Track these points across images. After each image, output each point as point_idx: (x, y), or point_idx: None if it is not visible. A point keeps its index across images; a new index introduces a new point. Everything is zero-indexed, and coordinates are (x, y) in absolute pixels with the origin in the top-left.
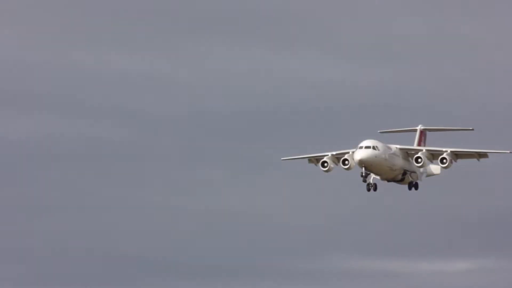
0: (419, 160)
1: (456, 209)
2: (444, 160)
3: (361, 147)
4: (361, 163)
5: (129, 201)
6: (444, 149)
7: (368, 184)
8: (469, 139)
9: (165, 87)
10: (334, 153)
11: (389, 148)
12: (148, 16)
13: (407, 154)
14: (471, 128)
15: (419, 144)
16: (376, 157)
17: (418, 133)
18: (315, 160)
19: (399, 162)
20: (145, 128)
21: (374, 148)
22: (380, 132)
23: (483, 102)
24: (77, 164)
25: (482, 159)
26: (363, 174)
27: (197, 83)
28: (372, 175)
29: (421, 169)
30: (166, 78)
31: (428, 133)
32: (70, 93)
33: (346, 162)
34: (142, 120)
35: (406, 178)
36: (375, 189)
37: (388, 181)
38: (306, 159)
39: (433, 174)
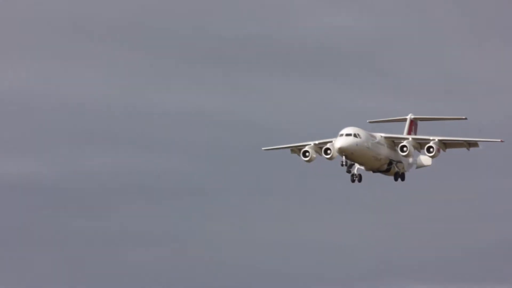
0: (405, 149)
1: (442, 203)
2: (431, 149)
3: (341, 135)
4: (341, 151)
5: (200, 234)
6: (431, 138)
7: (352, 175)
8: (462, 129)
9: (232, 123)
10: (316, 142)
11: (373, 137)
12: (215, 54)
13: (393, 143)
14: (464, 117)
15: (409, 135)
16: (357, 145)
17: (408, 122)
18: (298, 150)
19: (384, 151)
20: (214, 162)
21: (355, 135)
22: (369, 122)
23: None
24: (149, 198)
25: (472, 149)
26: (344, 163)
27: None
28: (357, 166)
29: (410, 160)
30: (234, 114)
31: (419, 123)
32: (142, 129)
33: (328, 151)
34: (211, 154)
35: (392, 168)
36: (359, 180)
37: (373, 171)
38: (289, 149)
39: (423, 166)
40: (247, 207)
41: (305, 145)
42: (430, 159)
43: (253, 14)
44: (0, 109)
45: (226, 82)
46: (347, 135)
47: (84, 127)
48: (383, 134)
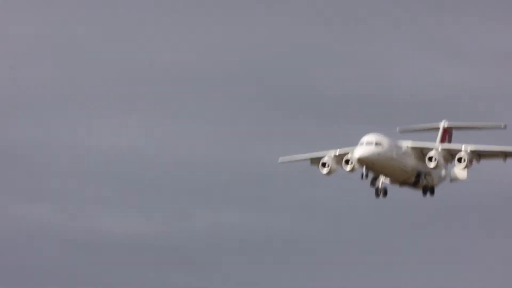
0: (433, 159)
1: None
2: (462, 160)
3: (362, 143)
4: (361, 162)
5: None
6: (463, 147)
7: (377, 189)
8: (502, 139)
9: None
10: (338, 151)
11: (398, 146)
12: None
13: (422, 153)
14: (503, 126)
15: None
16: (379, 155)
17: (441, 131)
18: (318, 161)
19: (411, 162)
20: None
21: (377, 144)
22: (399, 131)
23: None
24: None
25: (510, 160)
26: (365, 176)
27: None
28: (381, 178)
29: (442, 172)
30: None
31: (454, 132)
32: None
33: (350, 162)
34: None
35: (420, 181)
36: (385, 195)
37: (400, 184)
38: (308, 161)
39: (457, 179)
40: None
41: (324, 156)
42: (466, 172)
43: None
44: (107, 167)
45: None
46: (368, 143)
47: (189, 186)
48: (410, 143)
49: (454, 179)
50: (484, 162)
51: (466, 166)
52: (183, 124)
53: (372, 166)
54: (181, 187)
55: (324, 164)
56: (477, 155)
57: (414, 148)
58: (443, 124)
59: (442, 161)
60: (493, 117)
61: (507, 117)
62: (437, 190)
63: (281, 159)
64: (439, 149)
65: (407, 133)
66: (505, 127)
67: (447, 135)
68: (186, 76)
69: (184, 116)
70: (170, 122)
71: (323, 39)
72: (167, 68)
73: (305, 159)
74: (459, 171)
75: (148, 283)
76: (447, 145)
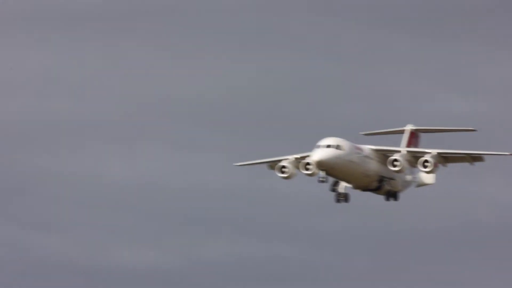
0: (396, 163)
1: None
2: (427, 164)
3: (320, 146)
4: (320, 165)
5: None
6: (428, 150)
7: (338, 194)
8: (472, 143)
9: None
10: (297, 156)
11: (360, 149)
12: None
13: (385, 157)
14: (473, 129)
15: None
16: (339, 158)
17: (407, 135)
18: (275, 165)
19: (373, 166)
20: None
21: (337, 147)
22: (363, 134)
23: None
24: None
25: (477, 163)
26: (323, 179)
27: None
28: (343, 184)
29: (407, 177)
30: None
31: (422, 136)
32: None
33: (310, 166)
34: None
35: (383, 186)
36: (346, 200)
37: (362, 190)
38: (266, 165)
39: (424, 184)
40: None
41: (282, 160)
42: (433, 176)
43: None
44: (119, 198)
45: None
46: (327, 146)
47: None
48: (372, 147)
49: (421, 184)
50: (451, 166)
51: (432, 171)
52: (193, 155)
53: (332, 170)
54: (193, 217)
55: (282, 168)
56: (443, 159)
57: (376, 152)
58: (409, 128)
59: (406, 165)
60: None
61: None
62: (401, 195)
63: (237, 163)
64: (403, 153)
65: (371, 137)
66: (475, 130)
67: (413, 139)
68: (197, 107)
69: (195, 147)
70: (180, 153)
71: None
72: (178, 100)
73: (262, 163)
74: (426, 175)
75: None
76: (411, 149)
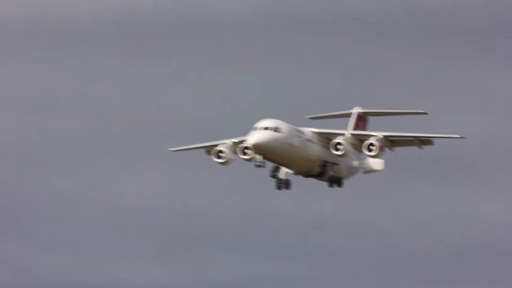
0: (339, 147)
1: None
2: (372, 147)
3: (256, 128)
4: (257, 149)
5: None
6: (373, 133)
7: (279, 181)
8: (423, 127)
9: None
10: (235, 140)
11: (301, 132)
12: None
13: (328, 140)
14: (424, 112)
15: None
16: (277, 141)
17: (354, 118)
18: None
19: (315, 150)
20: None
21: (275, 130)
22: (309, 118)
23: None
24: None
25: (426, 147)
26: (259, 164)
27: None
28: (284, 169)
29: (353, 162)
30: None
31: (371, 120)
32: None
33: (248, 151)
34: None
35: (326, 172)
36: (287, 187)
37: (304, 176)
38: (203, 150)
39: (373, 170)
40: None
41: (219, 144)
42: (382, 162)
43: None
44: (128, 217)
45: None
46: (265, 128)
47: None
48: (314, 129)
49: (368, 170)
50: (399, 151)
51: (377, 155)
52: (203, 174)
53: (270, 154)
54: (203, 237)
55: (219, 153)
56: (390, 143)
57: (319, 135)
58: (356, 111)
59: (350, 148)
60: None
61: None
62: (347, 182)
63: (172, 148)
64: (347, 136)
65: (318, 120)
66: (426, 113)
67: (361, 122)
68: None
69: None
70: (189, 172)
71: None
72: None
73: (198, 148)
74: (374, 161)
75: None
76: (355, 132)
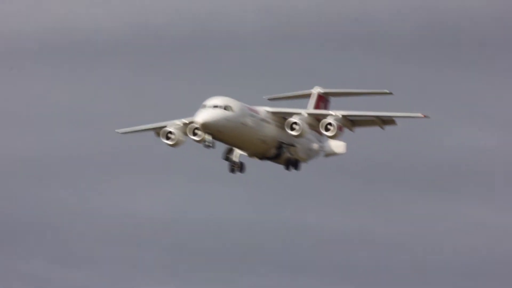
0: (295, 126)
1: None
2: (330, 127)
3: (205, 106)
4: (206, 128)
5: None
6: (331, 112)
7: (232, 163)
8: (386, 107)
9: None
10: (185, 120)
11: (254, 111)
12: None
13: (284, 120)
14: (388, 92)
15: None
16: (227, 120)
17: (314, 98)
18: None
19: (270, 131)
20: None
21: (226, 108)
22: (268, 99)
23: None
24: None
25: (388, 127)
26: (208, 144)
27: None
28: (238, 151)
29: (313, 144)
30: None
31: (332, 100)
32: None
33: (199, 131)
34: None
35: (282, 154)
36: (241, 170)
37: (260, 158)
38: (153, 132)
39: (334, 153)
40: None
41: (168, 125)
42: (344, 145)
43: None
44: (141, 233)
45: None
46: (214, 107)
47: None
48: (269, 108)
49: (330, 153)
50: (360, 132)
51: (335, 135)
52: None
53: (220, 134)
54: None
55: (168, 134)
56: (350, 123)
57: (274, 114)
58: (316, 90)
59: (306, 128)
60: None
61: None
62: (306, 165)
63: (120, 130)
64: (304, 115)
65: (276, 101)
66: (390, 93)
67: (322, 103)
68: None
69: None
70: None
71: None
72: None
73: (147, 129)
74: (337, 143)
75: None
76: (312, 111)
